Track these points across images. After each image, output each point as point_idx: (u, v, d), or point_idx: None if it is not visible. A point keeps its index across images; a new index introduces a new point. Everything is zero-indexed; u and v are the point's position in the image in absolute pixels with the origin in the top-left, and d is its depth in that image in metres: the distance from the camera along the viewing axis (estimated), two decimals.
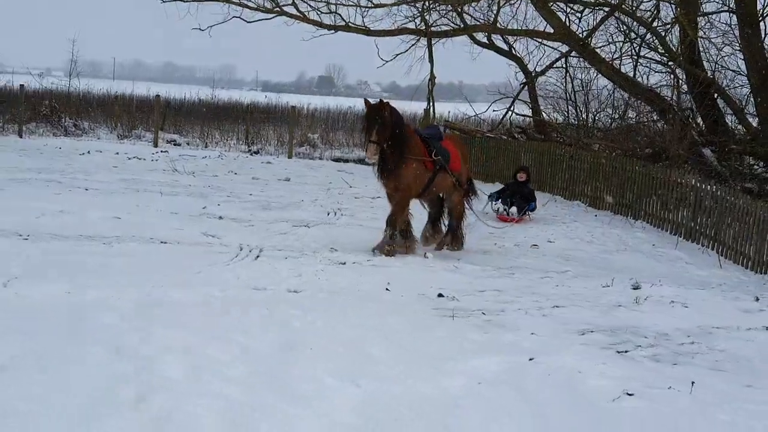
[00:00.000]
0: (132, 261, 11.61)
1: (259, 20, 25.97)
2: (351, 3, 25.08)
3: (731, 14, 22.63)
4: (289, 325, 8.79)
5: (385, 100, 13.52)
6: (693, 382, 7.45)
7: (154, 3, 27.17)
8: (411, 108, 34.22)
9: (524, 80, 28.02)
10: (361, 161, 30.05)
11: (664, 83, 25.43)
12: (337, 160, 31.71)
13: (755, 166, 22.47)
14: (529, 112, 28.37)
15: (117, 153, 27.78)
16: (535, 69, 28.08)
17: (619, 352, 8.60)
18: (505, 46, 28.72)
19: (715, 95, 23.13)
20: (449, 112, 35.33)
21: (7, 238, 12.48)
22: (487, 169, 25.72)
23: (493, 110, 29.08)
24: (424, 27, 25.54)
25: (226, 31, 28.06)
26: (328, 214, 17.86)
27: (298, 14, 25.28)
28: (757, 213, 15.21)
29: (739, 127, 23.59)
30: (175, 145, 33.26)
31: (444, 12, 25.34)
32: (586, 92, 27.45)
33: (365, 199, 20.30)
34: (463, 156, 15.00)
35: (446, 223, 14.99)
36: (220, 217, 16.45)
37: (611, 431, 6.53)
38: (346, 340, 8.34)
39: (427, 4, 25.16)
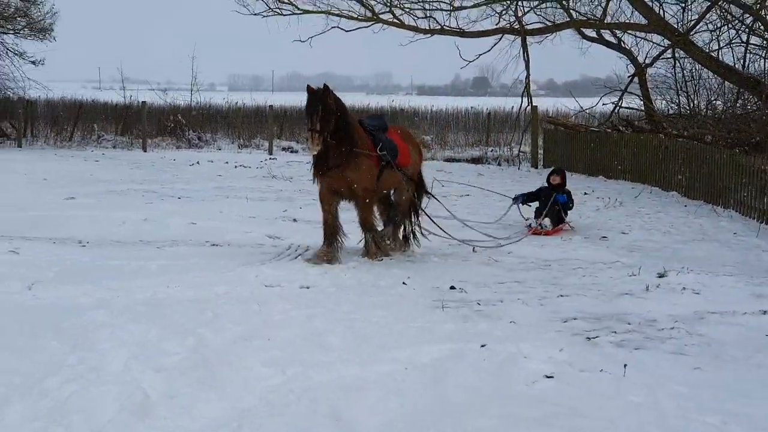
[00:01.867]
0: (169, 264, 11.90)
1: (358, 29, 26.28)
2: (442, 8, 25.07)
3: None
4: (269, 319, 8.90)
5: (327, 87, 12.08)
6: (626, 365, 7.48)
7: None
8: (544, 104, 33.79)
9: (633, 72, 27.54)
10: (472, 160, 30.09)
11: None
12: (448, 160, 31.31)
13: None
14: (635, 104, 27.86)
15: (227, 162, 28.54)
16: (644, 60, 27.65)
17: (589, 338, 8.53)
18: (614, 40, 28.26)
19: None
20: (547, 108, 35.12)
21: (66, 245, 13.12)
22: (589, 165, 25.59)
23: (603, 104, 28.78)
24: (518, 26, 25.28)
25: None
26: None
27: (396, 21, 25.45)
28: None
29: None
30: (291, 152, 33.96)
31: (539, 10, 25.28)
32: (696, 82, 26.91)
33: (452, 197, 19.68)
34: (414, 149, 13.95)
35: (399, 222, 13.71)
36: (295, 220, 16.83)
37: (503, 416, 6.39)
38: (311, 332, 8.43)
39: (515, 3, 24.95)
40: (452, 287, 10.91)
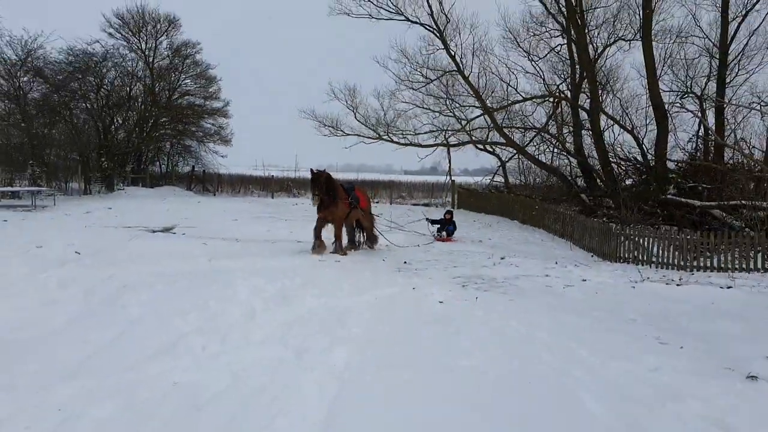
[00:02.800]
0: (275, 250, 11.46)
1: (372, 143, 25.73)
2: (408, 134, 25.10)
3: (589, 131, 22.08)
4: (317, 275, 8.62)
5: (322, 170, 11.66)
6: (477, 297, 7.49)
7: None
8: (460, 179, 33.89)
9: (499, 165, 27.37)
10: (425, 204, 29.93)
11: (566, 164, 24.78)
12: (414, 204, 29.99)
13: (609, 202, 21.64)
14: (499, 180, 27.62)
15: (311, 204, 27.19)
16: (505, 159, 27.20)
17: (463, 285, 8.51)
18: (490, 149, 28.03)
19: (590, 170, 22.47)
20: (461, 182, 35.04)
21: (229, 241, 12.70)
22: (483, 209, 25.47)
23: (489, 179, 28.04)
24: (445, 142, 25.02)
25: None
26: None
27: (389, 139, 25.14)
28: (587, 223, 14.89)
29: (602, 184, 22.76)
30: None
31: (458, 135, 25.23)
32: (528, 170, 26.88)
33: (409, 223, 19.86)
34: (367, 200, 13.20)
35: (362, 237, 13.03)
36: None
37: (416, 318, 6.43)
38: (335, 281, 8.24)
39: (445, 133, 25.10)
40: (405, 262, 10.83)
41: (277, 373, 4.57)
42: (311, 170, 11.51)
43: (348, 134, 25.75)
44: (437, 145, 24.97)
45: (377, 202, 31.38)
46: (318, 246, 11.31)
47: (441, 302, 7.12)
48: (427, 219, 15.98)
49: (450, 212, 16.14)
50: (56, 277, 7.90)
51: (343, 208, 11.71)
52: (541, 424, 3.87)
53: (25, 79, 25.53)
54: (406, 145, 24.98)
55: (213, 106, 33.19)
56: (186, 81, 32.27)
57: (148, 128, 30.91)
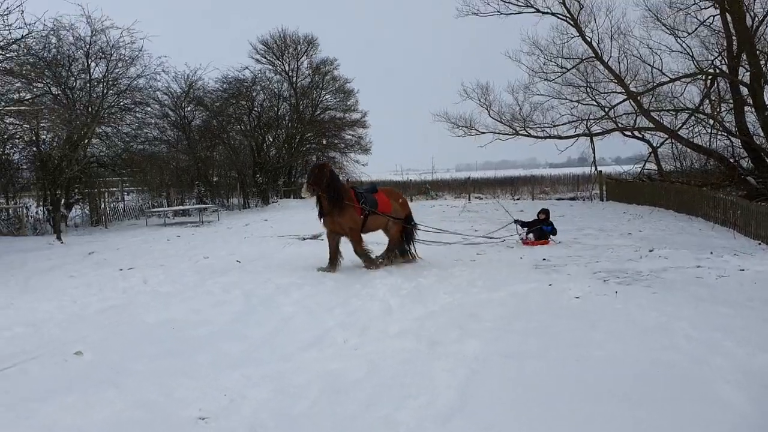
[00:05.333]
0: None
1: (508, 139, 25.46)
2: (546, 126, 24.44)
3: (751, 107, 19.97)
4: (453, 273, 8.81)
5: (325, 163, 9.89)
6: (617, 291, 7.27)
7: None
8: (609, 169, 32.16)
9: (650, 151, 25.71)
10: (570, 198, 28.88)
11: (726, 145, 22.61)
12: (558, 199, 29.21)
13: None
14: (652, 166, 25.91)
15: (452, 206, 27.65)
16: (656, 144, 25.61)
17: (604, 280, 8.22)
18: (639, 135, 26.44)
19: (756, 150, 20.41)
20: (609, 171, 33.17)
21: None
22: (633, 199, 24.04)
23: (639, 168, 26.31)
24: (587, 131, 24.05)
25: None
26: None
27: (527, 134, 24.69)
28: (752, 208, 13.69)
29: None
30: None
31: (601, 122, 24.17)
32: (684, 155, 24.94)
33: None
34: (396, 201, 10.58)
35: (407, 246, 10.61)
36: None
37: (551, 312, 6.43)
38: (471, 279, 8.38)
39: (587, 122, 24.05)
40: (544, 259, 10.58)
41: (409, 363, 4.92)
42: (315, 162, 9.25)
43: (483, 132, 25.70)
44: (578, 135, 24.11)
45: (517, 199, 30.88)
46: (332, 266, 9.66)
47: (577, 297, 7.02)
48: (516, 222, 13.90)
49: (545, 211, 13.84)
50: (221, 282, 8.95)
51: (349, 215, 9.63)
52: (670, 408, 3.82)
53: (189, 108, 28.72)
54: (544, 138, 24.42)
55: (352, 117, 34.84)
56: (326, 96, 34.26)
57: (295, 144, 33.22)
